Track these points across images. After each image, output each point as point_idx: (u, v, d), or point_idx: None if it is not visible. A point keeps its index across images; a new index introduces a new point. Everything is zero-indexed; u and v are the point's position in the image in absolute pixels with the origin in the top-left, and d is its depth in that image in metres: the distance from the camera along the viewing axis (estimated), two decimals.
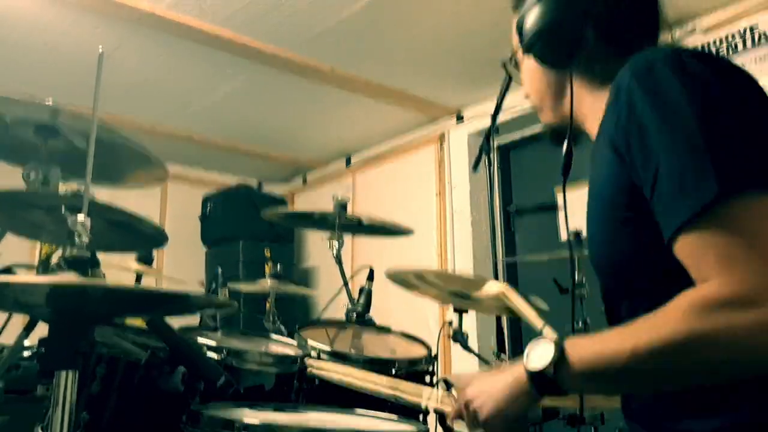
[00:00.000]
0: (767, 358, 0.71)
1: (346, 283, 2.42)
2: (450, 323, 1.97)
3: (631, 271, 0.91)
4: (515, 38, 1.15)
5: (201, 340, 1.69)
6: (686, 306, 0.73)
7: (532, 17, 1.06)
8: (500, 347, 2.08)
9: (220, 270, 2.23)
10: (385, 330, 2.13)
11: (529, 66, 1.13)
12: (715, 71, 0.84)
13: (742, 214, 0.73)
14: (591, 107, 1.05)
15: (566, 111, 1.07)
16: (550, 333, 1.13)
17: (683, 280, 0.78)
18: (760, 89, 0.87)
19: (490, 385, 0.94)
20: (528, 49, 1.09)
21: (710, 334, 0.72)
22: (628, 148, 0.85)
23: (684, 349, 0.73)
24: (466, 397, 0.98)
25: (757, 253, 0.71)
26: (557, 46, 1.05)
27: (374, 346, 2.06)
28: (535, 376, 0.85)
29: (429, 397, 1.21)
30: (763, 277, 0.70)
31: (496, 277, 2.19)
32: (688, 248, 0.76)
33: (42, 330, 1.13)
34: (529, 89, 1.16)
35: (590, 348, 0.82)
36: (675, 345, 0.73)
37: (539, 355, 0.85)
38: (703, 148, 0.76)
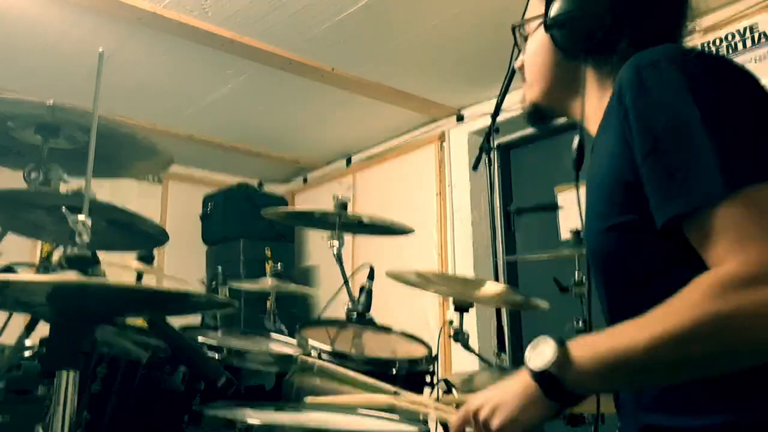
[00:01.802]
0: None
1: (346, 282, 2.43)
2: (450, 323, 1.97)
3: (628, 266, 0.91)
4: (534, 6, 1.11)
5: (202, 339, 1.69)
6: (705, 288, 0.71)
7: (570, 2, 1.03)
8: (501, 347, 2.08)
9: (220, 269, 2.23)
10: (385, 329, 2.14)
11: (541, 41, 1.09)
12: (718, 70, 0.86)
13: (751, 201, 0.73)
14: (597, 101, 1.04)
15: (564, 98, 1.08)
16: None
17: (680, 273, 0.78)
18: (762, 89, 0.87)
19: (501, 393, 0.86)
20: (550, 28, 1.05)
21: (733, 314, 0.69)
22: (632, 140, 0.85)
23: (707, 332, 0.70)
24: (472, 407, 0.89)
25: None
26: (582, 39, 1.02)
27: (375, 345, 2.06)
28: (538, 377, 0.80)
29: (429, 406, 1.14)
30: None
31: (496, 276, 2.19)
32: (699, 233, 0.76)
33: (43, 329, 1.13)
34: (530, 62, 1.13)
35: (599, 343, 0.78)
36: (697, 329, 0.70)
37: (539, 353, 0.81)
38: (712, 141, 0.77)
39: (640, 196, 0.84)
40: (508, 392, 0.85)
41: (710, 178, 0.75)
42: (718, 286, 0.71)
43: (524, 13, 1.15)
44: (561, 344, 0.80)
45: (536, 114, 1.14)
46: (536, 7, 1.11)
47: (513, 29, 1.17)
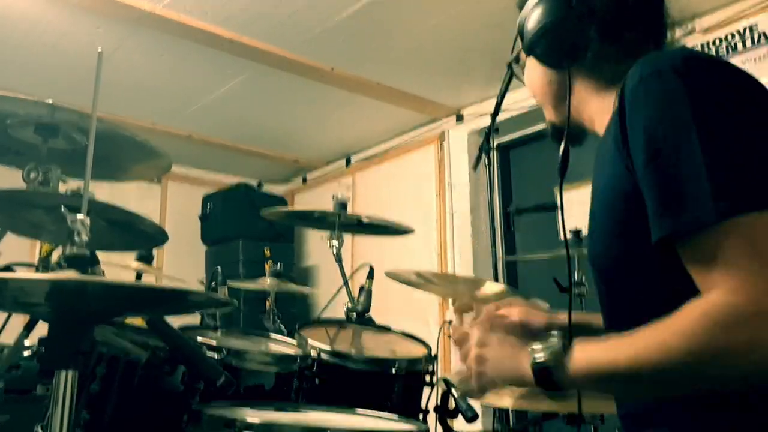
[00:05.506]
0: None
1: (346, 282, 2.42)
2: (450, 322, 1.97)
3: (627, 273, 0.92)
4: (519, 38, 1.14)
5: (201, 339, 1.69)
6: (696, 318, 0.74)
7: (533, 18, 1.06)
8: None
9: (219, 269, 2.23)
10: (385, 329, 2.13)
11: (532, 66, 1.13)
12: (723, 80, 0.84)
13: (742, 230, 0.74)
14: (598, 108, 1.05)
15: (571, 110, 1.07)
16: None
17: (679, 286, 0.80)
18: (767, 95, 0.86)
19: (503, 353, 0.94)
20: (529, 50, 1.08)
21: (719, 349, 0.72)
22: (633, 152, 0.85)
23: (691, 363, 0.74)
24: (477, 341, 0.97)
25: (759, 262, 0.72)
26: (558, 48, 1.05)
27: (374, 345, 2.06)
28: (536, 368, 0.86)
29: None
30: (764, 284, 0.71)
31: (496, 276, 2.19)
32: (689, 255, 0.78)
33: (42, 329, 1.13)
34: (533, 89, 1.16)
35: (595, 352, 0.83)
36: (683, 359, 0.74)
37: (543, 347, 0.87)
38: (709, 162, 0.76)
39: (637, 206, 0.84)
40: (508, 358, 0.93)
41: (704, 203, 0.75)
42: (708, 319, 0.73)
43: (513, 47, 1.20)
44: (563, 346, 0.85)
45: (558, 133, 1.15)
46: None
47: (508, 66, 1.22)
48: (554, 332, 0.88)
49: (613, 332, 0.85)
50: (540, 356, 0.86)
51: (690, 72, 0.83)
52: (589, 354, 0.83)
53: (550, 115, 1.15)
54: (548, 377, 0.85)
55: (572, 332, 0.86)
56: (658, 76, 0.85)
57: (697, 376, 0.75)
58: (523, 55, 1.14)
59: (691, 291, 0.79)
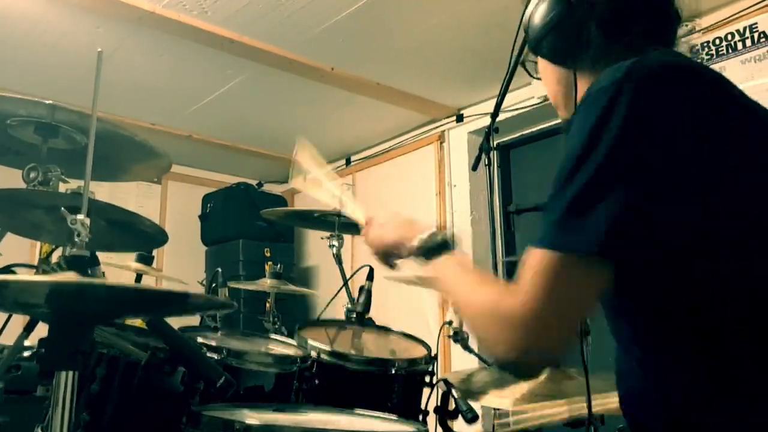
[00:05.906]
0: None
1: (346, 283, 2.42)
2: (450, 323, 1.97)
3: (614, 290, 0.93)
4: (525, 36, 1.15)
5: (201, 340, 1.69)
6: (500, 298, 0.91)
7: (535, 16, 1.07)
8: None
9: (220, 270, 2.23)
10: (384, 330, 2.13)
11: (541, 64, 1.14)
12: (648, 104, 0.83)
13: (565, 268, 0.85)
14: None
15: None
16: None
17: (660, 293, 0.86)
18: (709, 132, 0.84)
19: (393, 227, 1.22)
20: (534, 48, 1.10)
21: (482, 323, 0.94)
22: None
23: (469, 315, 0.99)
24: (374, 217, 1.31)
25: (553, 298, 0.85)
26: (559, 45, 1.06)
27: (374, 345, 2.05)
28: (422, 244, 1.11)
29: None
30: (537, 317, 0.85)
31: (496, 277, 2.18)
32: (527, 261, 0.90)
33: (42, 330, 1.13)
34: (545, 87, 1.17)
35: (453, 266, 1.06)
36: (474, 311, 0.97)
37: (434, 240, 1.10)
38: (566, 194, 0.85)
39: None
40: (396, 230, 1.21)
41: (545, 230, 0.88)
42: (495, 308, 0.91)
43: (514, 47, 1.22)
44: (446, 245, 1.09)
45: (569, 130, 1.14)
46: None
47: (522, 65, 1.26)
48: (451, 232, 1.12)
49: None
50: (424, 240, 1.11)
51: (619, 94, 0.84)
52: (449, 264, 1.07)
53: (562, 112, 1.16)
54: (426, 252, 1.10)
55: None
56: (596, 94, 0.87)
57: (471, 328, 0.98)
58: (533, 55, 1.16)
59: (675, 301, 0.85)
